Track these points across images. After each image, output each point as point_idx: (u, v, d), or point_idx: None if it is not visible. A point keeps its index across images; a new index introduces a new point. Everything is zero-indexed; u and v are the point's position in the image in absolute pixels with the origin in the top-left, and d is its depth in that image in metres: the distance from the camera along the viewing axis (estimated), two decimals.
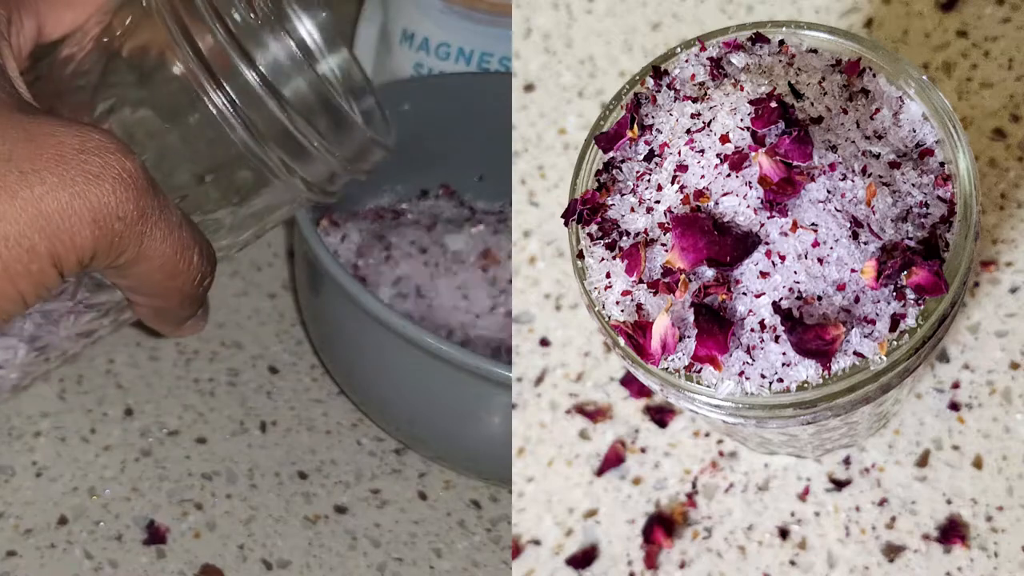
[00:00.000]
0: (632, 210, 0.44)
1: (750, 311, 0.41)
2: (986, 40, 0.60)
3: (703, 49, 0.46)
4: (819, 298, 0.41)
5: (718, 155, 0.42)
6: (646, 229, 0.43)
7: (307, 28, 0.54)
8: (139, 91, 0.50)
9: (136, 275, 0.47)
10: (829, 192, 0.41)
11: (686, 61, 0.46)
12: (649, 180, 0.44)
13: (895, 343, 0.41)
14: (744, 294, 0.41)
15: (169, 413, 0.65)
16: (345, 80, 0.56)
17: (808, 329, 0.40)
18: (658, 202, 0.43)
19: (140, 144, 0.48)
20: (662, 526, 0.55)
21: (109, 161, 0.44)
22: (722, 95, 0.43)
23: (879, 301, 0.41)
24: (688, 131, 0.43)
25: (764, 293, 0.41)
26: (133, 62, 0.50)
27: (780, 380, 0.41)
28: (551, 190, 0.62)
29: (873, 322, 0.41)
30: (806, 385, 0.41)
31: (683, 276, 0.41)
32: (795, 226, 0.41)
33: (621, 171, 0.45)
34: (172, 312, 0.50)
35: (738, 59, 0.45)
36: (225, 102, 0.49)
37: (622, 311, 0.43)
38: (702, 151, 0.42)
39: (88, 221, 0.43)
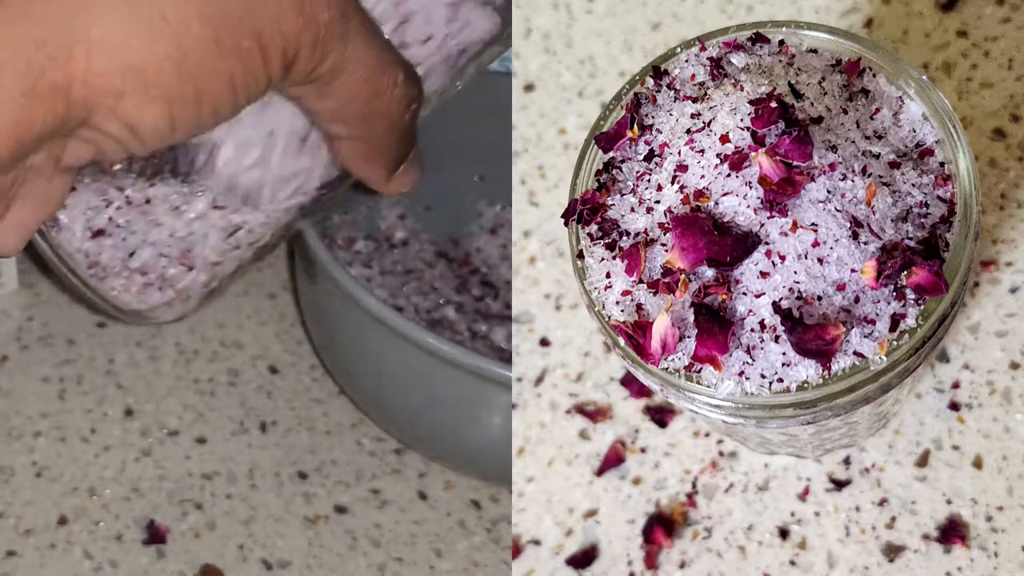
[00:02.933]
0: (632, 210, 0.44)
1: (750, 311, 0.41)
2: (986, 40, 0.60)
3: (703, 49, 0.46)
4: (819, 298, 0.41)
5: (718, 155, 0.42)
6: (646, 229, 0.43)
7: None
8: None
9: (339, 91, 0.45)
10: (829, 192, 0.41)
11: (686, 61, 0.46)
12: (649, 180, 0.44)
13: (895, 343, 0.41)
14: (744, 294, 0.41)
15: (169, 413, 0.65)
16: None
17: (808, 329, 0.40)
18: (658, 202, 0.43)
19: None
20: (662, 526, 0.55)
21: None
22: (722, 95, 0.43)
23: (879, 301, 0.41)
24: (688, 131, 0.43)
25: (764, 293, 0.41)
26: None
27: (780, 380, 0.41)
28: (551, 190, 0.62)
29: (873, 322, 0.41)
30: (806, 385, 0.41)
31: (683, 276, 0.41)
32: (795, 226, 0.41)
33: (621, 171, 0.45)
34: (380, 147, 0.48)
35: (738, 59, 0.45)
36: None
37: (622, 311, 0.43)
38: (702, 151, 0.42)
39: (294, 6, 0.42)
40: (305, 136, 0.50)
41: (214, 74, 0.41)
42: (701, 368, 0.42)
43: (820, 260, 0.41)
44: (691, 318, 0.41)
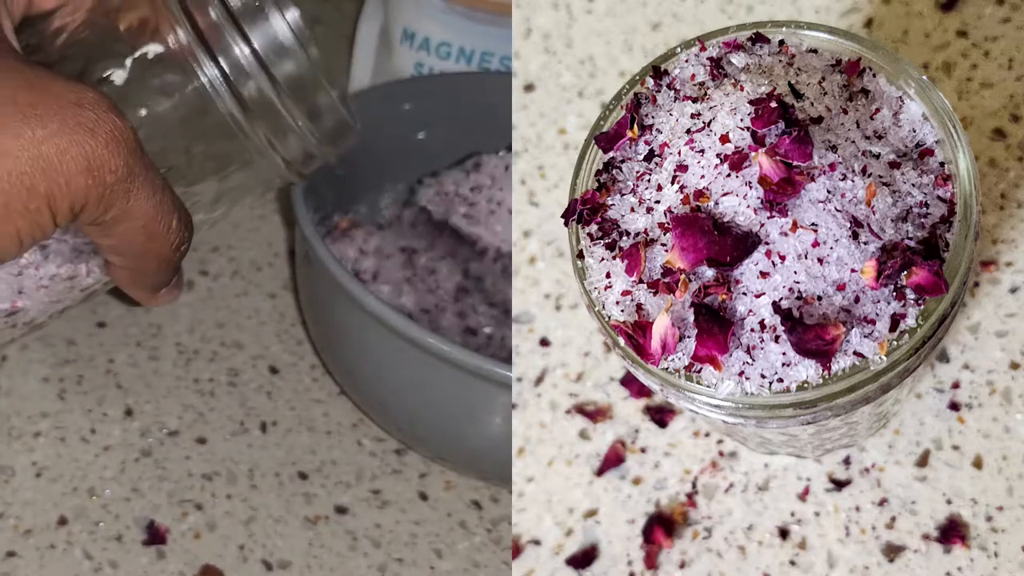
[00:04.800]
0: (632, 210, 0.44)
1: (750, 311, 0.41)
2: (986, 40, 0.60)
3: (703, 49, 0.46)
4: (819, 298, 0.41)
5: (718, 155, 0.42)
6: (646, 229, 0.43)
7: (285, 20, 0.56)
8: (131, 63, 0.52)
9: (119, 234, 0.48)
10: (829, 192, 0.41)
11: (686, 61, 0.46)
12: (649, 180, 0.44)
13: (895, 343, 0.41)
14: (744, 294, 0.41)
15: (169, 413, 0.65)
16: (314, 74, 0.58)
17: (808, 329, 0.40)
18: (658, 202, 0.43)
19: (130, 113, 0.50)
20: (662, 526, 0.55)
21: (103, 117, 0.45)
22: (722, 95, 0.43)
23: (879, 301, 0.41)
24: (688, 131, 0.43)
25: (764, 293, 0.41)
26: (127, 34, 0.52)
27: (780, 380, 0.41)
28: (551, 190, 0.62)
29: (873, 322, 0.41)
30: (806, 385, 0.41)
31: (683, 276, 0.41)
32: (795, 226, 0.41)
33: (621, 171, 0.45)
34: (149, 276, 0.52)
35: (738, 59, 0.45)
36: (218, 75, 0.51)
37: (622, 311, 0.43)
38: (702, 151, 0.42)
39: (83, 169, 0.45)
40: (81, 246, 0.53)
41: (1, 232, 0.45)
42: (701, 368, 0.42)
43: (820, 260, 0.41)
44: (691, 318, 0.41)
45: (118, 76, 0.52)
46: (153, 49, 0.52)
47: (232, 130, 0.52)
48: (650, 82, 0.46)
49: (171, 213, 0.49)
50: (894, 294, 0.41)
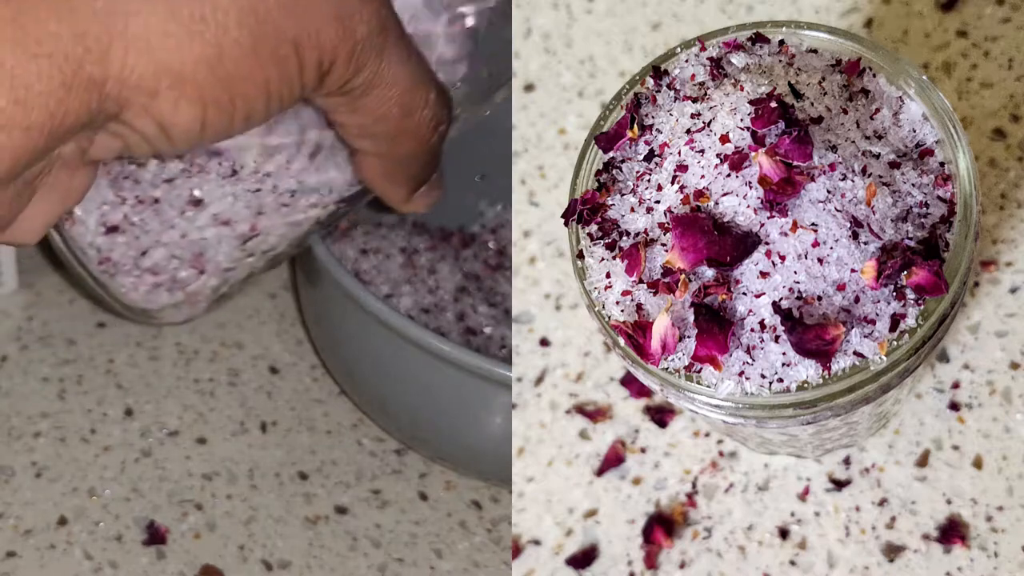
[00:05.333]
0: (632, 210, 0.44)
1: (750, 311, 0.41)
2: (986, 40, 0.60)
3: (703, 49, 0.46)
4: (819, 298, 0.41)
5: (718, 155, 0.42)
6: (646, 229, 0.43)
7: None
8: None
9: (370, 106, 0.45)
10: (829, 192, 0.41)
11: (686, 61, 0.46)
12: (649, 180, 0.44)
13: (895, 343, 0.41)
14: (744, 294, 0.41)
15: (169, 413, 0.65)
16: None
17: (808, 329, 0.40)
18: (658, 202, 0.43)
19: None
20: (662, 526, 0.55)
21: None
22: (722, 95, 0.43)
23: (879, 301, 0.41)
24: (688, 131, 0.43)
25: (764, 293, 0.41)
26: None
27: (780, 380, 0.41)
28: (551, 190, 0.62)
29: (873, 322, 0.41)
30: (806, 385, 0.41)
31: (683, 276, 0.41)
32: (795, 226, 0.41)
33: (621, 171, 0.45)
34: (404, 166, 0.48)
35: (738, 59, 0.45)
36: None
37: (622, 311, 0.43)
38: (702, 151, 0.42)
39: (333, 17, 0.42)
40: (332, 148, 0.50)
41: (249, 80, 0.41)
42: (701, 368, 0.42)
43: (820, 260, 0.41)
44: (691, 318, 0.41)
45: None
46: None
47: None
48: (650, 82, 0.46)
49: (427, 83, 0.45)
50: (894, 294, 0.41)
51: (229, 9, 0.40)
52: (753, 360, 0.41)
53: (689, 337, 0.41)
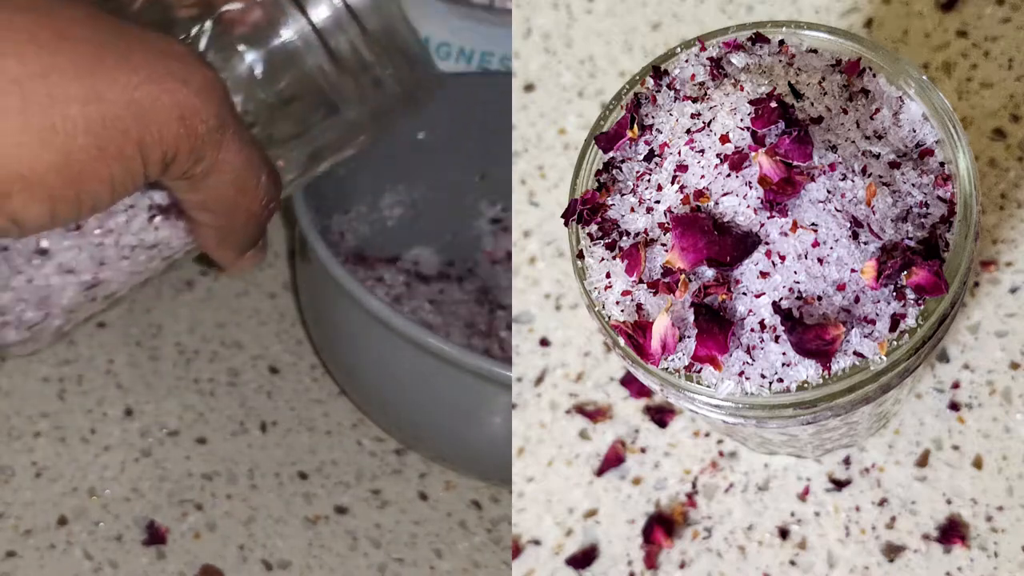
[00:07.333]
0: (632, 210, 0.44)
1: (750, 311, 0.41)
2: (986, 40, 0.60)
3: (703, 49, 0.46)
4: (819, 298, 0.41)
5: (718, 155, 0.42)
6: (646, 229, 0.43)
7: None
8: (215, 20, 0.52)
9: (209, 187, 0.48)
10: (829, 192, 0.41)
11: (686, 61, 0.46)
12: (649, 180, 0.44)
13: (895, 343, 0.41)
14: (744, 294, 0.41)
15: (169, 413, 0.65)
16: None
17: (808, 329, 0.40)
18: (658, 202, 0.43)
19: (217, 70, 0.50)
20: (662, 526, 0.55)
21: (193, 67, 0.45)
22: (722, 95, 0.43)
23: (879, 301, 0.41)
24: (688, 131, 0.43)
25: (764, 293, 0.41)
26: None
27: (780, 380, 0.41)
28: (551, 190, 0.62)
29: (873, 322, 0.41)
30: (806, 385, 0.41)
31: (683, 276, 0.41)
32: (795, 226, 0.41)
33: (621, 171, 0.45)
34: (236, 235, 0.51)
35: (738, 59, 0.45)
36: (309, 27, 0.51)
37: (622, 311, 0.43)
38: (702, 151, 0.42)
39: (176, 117, 0.45)
40: (170, 211, 0.53)
41: (95, 177, 0.44)
42: (701, 368, 0.42)
43: (820, 260, 0.41)
44: (691, 318, 0.41)
45: (199, 36, 0.51)
46: (234, 6, 0.51)
47: (318, 86, 0.52)
48: (650, 82, 0.46)
49: (261, 167, 0.49)
50: (894, 294, 0.41)
51: (77, 118, 0.43)
52: (753, 360, 0.41)
53: (689, 337, 0.41)
